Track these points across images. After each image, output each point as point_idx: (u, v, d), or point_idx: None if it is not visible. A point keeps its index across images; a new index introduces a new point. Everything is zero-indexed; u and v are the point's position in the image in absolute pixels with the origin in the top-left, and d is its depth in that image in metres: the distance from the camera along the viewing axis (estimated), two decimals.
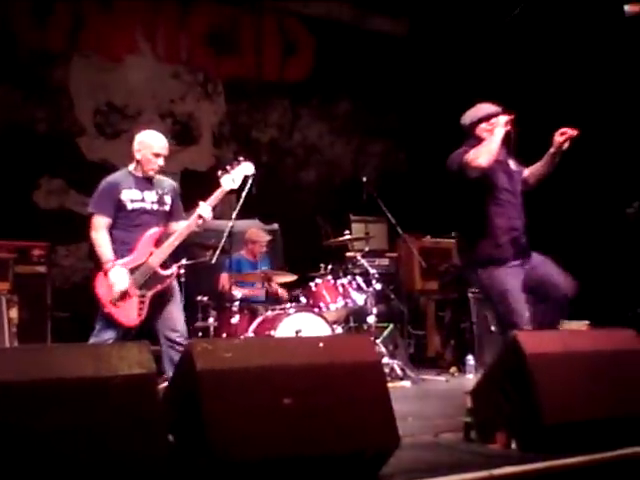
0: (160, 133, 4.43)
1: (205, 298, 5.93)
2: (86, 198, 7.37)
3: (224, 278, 6.12)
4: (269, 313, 5.69)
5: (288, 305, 5.78)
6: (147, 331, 4.17)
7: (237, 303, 5.69)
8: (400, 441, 2.62)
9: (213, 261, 5.60)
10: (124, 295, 4.04)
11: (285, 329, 5.30)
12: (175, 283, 4.31)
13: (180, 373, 2.56)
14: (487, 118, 4.11)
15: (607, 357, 3.23)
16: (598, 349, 3.28)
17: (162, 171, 4.36)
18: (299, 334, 5.23)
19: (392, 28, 9.19)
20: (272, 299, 6.21)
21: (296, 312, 5.50)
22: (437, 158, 9.04)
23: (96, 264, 4.18)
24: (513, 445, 3.00)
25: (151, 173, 4.24)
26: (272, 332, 5.28)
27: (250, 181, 5.61)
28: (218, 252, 5.54)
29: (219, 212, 7.76)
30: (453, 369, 6.38)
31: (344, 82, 8.76)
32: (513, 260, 3.97)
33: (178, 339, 4.07)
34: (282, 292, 6.32)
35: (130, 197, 4.17)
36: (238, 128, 8.47)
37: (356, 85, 8.80)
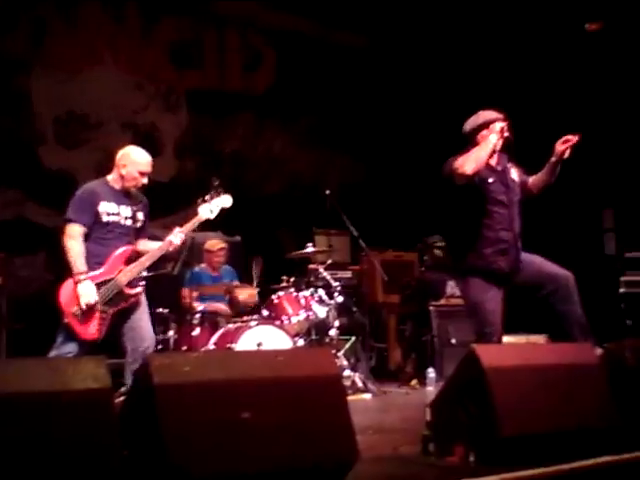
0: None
1: (165, 310, 5.87)
2: (45, 208, 7.39)
3: (185, 292, 6.09)
4: (230, 326, 5.66)
5: (249, 317, 5.75)
6: (112, 344, 4.13)
7: (198, 316, 5.65)
8: (359, 454, 2.62)
9: (175, 272, 5.55)
10: (89, 310, 3.99)
11: (246, 342, 5.27)
12: (143, 296, 4.28)
13: (137, 387, 2.53)
14: (487, 125, 4.07)
15: (563, 370, 3.28)
16: (555, 363, 3.32)
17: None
18: (260, 347, 5.22)
19: (352, 41, 9.25)
20: (239, 308, 6.17)
21: (257, 325, 5.48)
22: (397, 171, 9.18)
23: (58, 274, 4.17)
24: (471, 458, 3.01)
25: (132, 190, 4.23)
26: (233, 345, 5.26)
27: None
28: (180, 264, 5.49)
29: (180, 224, 7.79)
30: (414, 382, 6.41)
31: (306, 95, 8.80)
32: (497, 272, 3.97)
33: (148, 349, 4.05)
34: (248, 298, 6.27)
35: (107, 210, 4.15)
36: (201, 140, 8.44)
37: (318, 98, 8.85)
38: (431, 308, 6.83)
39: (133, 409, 2.49)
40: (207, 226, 6.41)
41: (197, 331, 5.59)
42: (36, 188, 7.12)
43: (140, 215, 4.28)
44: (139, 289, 4.19)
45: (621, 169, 7.00)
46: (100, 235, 4.14)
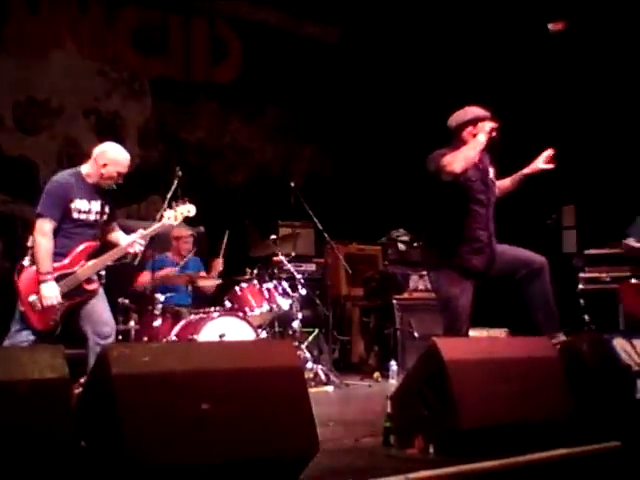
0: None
1: (126, 301, 5.79)
2: (3, 195, 7.23)
3: (144, 276, 5.93)
4: (192, 317, 5.61)
5: (212, 309, 5.71)
6: (70, 334, 4.09)
7: (160, 306, 5.58)
8: (320, 446, 2.62)
9: (136, 262, 5.47)
10: (48, 307, 3.98)
11: (209, 333, 5.23)
12: (100, 289, 4.26)
13: (95, 378, 2.49)
14: (474, 122, 4.05)
15: (522, 364, 3.33)
16: (514, 356, 3.37)
17: None
18: (223, 338, 5.18)
19: (322, 35, 9.25)
20: (201, 297, 6.13)
21: (220, 316, 5.44)
22: (363, 165, 9.21)
23: (14, 261, 4.18)
24: (431, 449, 3.04)
25: (105, 186, 4.20)
26: (195, 336, 5.21)
27: (176, 183, 5.55)
28: (140, 254, 5.42)
29: (144, 214, 7.70)
30: (376, 374, 6.44)
31: (273, 86, 8.76)
32: (469, 269, 4.00)
33: (109, 334, 4.06)
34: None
35: (79, 207, 4.14)
36: (165, 128, 8.34)
37: (285, 90, 8.81)
38: (394, 301, 6.86)
39: (91, 400, 2.46)
40: None
41: (159, 322, 5.52)
42: None
43: (107, 208, 4.28)
44: (96, 285, 4.18)
45: (582, 166, 7.11)
46: (68, 229, 4.12)
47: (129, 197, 7.77)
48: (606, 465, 3.14)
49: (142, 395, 2.33)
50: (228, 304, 5.92)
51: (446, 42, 8.25)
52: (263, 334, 5.77)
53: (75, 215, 4.11)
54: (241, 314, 5.67)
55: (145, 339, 5.54)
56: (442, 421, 3.02)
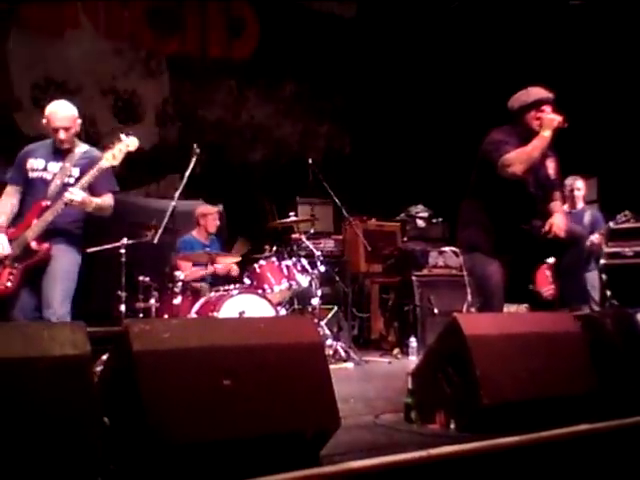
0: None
1: (147, 278, 5.82)
2: None
3: (178, 262, 5.98)
4: (212, 294, 5.63)
5: (232, 286, 5.73)
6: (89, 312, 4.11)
7: (180, 284, 5.60)
8: (340, 422, 2.62)
9: (155, 241, 5.49)
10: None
11: (228, 310, 5.25)
12: (59, 259, 4.13)
13: (116, 355, 2.50)
14: (537, 105, 3.92)
15: (544, 339, 3.30)
16: (535, 331, 3.34)
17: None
18: (242, 316, 5.19)
19: (340, 9, 9.15)
20: (222, 278, 6.14)
21: (239, 294, 5.45)
22: (381, 141, 9.14)
23: None
24: (452, 425, 3.03)
25: (64, 145, 4.15)
26: (215, 314, 5.23)
27: (194, 160, 5.54)
28: (160, 232, 5.43)
29: (163, 192, 7.72)
30: (396, 351, 6.43)
31: (290, 63, 8.70)
32: (500, 255, 3.97)
33: (50, 316, 3.99)
34: (234, 270, 6.24)
35: (32, 166, 4.14)
36: (183, 107, 8.33)
37: (302, 66, 8.75)
38: (413, 278, 6.83)
39: (113, 376, 2.46)
40: (189, 194, 6.38)
41: (179, 299, 5.54)
42: (14, 154, 6.99)
43: (75, 171, 4.16)
44: (46, 245, 4.08)
45: (605, 139, 7.00)
46: (27, 191, 4.16)
47: (148, 176, 7.80)
48: (631, 440, 3.11)
49: (163, 371, 2.33)
50: (247, 281, 5.93)
51: (465, 15, 8.12)
52: (282, 311, 5.78)
53: (30, 175, 4.14)
54: (260, 291, 5.68)
55: (166, 317, 5.58)
56: (463, 397, 3.00)
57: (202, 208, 6.45)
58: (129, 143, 4.10)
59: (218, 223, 6.38)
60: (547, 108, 3.94)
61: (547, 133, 3.86)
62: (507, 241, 3.98)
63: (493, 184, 3.94)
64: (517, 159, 3.81)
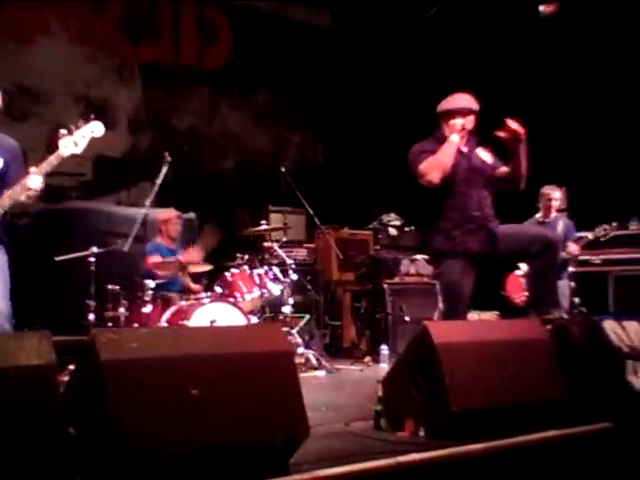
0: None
1: (116, 287, 5.74)
2: None
3: (149, 260, 5.89)
4: (183, 303, 5.59)
5: (203, 295, 5.69)
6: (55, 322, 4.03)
7: (150, 292, 5.55)
8: (310, 430, 2.62)
9: (126, 249, 5.44)
10: None
11: (199, 319, 5.21)
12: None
13: (83, 364, 2.48)
14: (454, 114, 4.02)
15: (513, 346, 3.33)
16: (505, 339, 3.37)
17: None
18: (213, 324, 5.17)
19: (313, 19, 9.19)
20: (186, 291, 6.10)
21: (211, 302, 5.42)
22: (354, 150, 9.16)
23: None
24: (421, 432, 3.05)
25: None
26: (185, 322, 5.19)
27: (165, 169, 5.52)
28: (131, 240, 5.39)
29: (134, 200, 7.67)
30: (367, 359, 6.44)
31: (264, 72, 8.71)
32: (467, 253, 3.97)
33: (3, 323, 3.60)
34: (196, 287, 6.17)
35: None
36: (155, 114, 8.29)
37: (276, 75, 8.77)
38: (385, 286, 6.86)
39: (80, 386, 2.44)
40: (160, 202, 6.33)
41: (149, 308, 5.49)
42: None
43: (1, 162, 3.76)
44: None
45: (573, 148, 7.10)
46: None
47: (119, 183, 7.74)
48: (598, 446, 3.15)
49: (130, 381, 2.31)
50: (219, 290, 5.90)
51: (437, 25, 8.20)
52: (254, 320, 5.76)
53: None
54: (232, 300, 5.66)
55: (135, 326, 5.52)
56: (433, 404, 3.02)
57: (162, 214, 6.29)
58: (93, 129, 3.72)
59: (180, 229, 6.29)
60: (462, 119, 4.00)
61: (454, 137, 3.96)
62: (468, 238, 3.99)
63: (432, 190, 4.01)
64: (429, 168, 3.91)
